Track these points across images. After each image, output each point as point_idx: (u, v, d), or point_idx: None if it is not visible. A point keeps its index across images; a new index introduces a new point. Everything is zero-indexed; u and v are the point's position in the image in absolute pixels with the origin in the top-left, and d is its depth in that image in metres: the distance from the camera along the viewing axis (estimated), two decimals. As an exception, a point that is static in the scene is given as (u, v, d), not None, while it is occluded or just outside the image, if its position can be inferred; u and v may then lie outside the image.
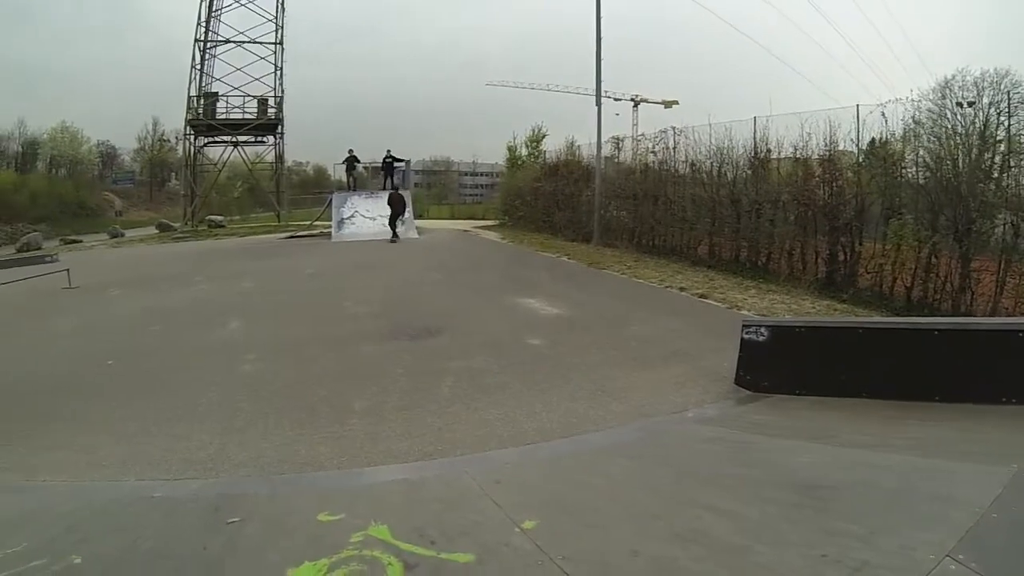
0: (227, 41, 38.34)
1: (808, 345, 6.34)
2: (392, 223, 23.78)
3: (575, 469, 4.70)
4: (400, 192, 25.31)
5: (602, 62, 21.44)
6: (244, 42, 38.14)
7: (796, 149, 14.51)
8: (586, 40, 22.55)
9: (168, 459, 5.28)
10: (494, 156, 63.62)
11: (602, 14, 21.31)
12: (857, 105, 13.21)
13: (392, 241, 23.01)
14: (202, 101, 37.47)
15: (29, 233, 35.63)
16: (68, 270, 15.43)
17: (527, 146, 38.33)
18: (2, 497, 4.68)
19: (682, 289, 12.22)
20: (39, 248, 29.52)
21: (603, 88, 21.79)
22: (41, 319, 11.72)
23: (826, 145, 13.79)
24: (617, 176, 21.75)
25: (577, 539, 3.46)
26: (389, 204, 24.18)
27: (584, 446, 5.26)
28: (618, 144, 22.57)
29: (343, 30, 77.70)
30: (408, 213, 26.38)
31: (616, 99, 50.36)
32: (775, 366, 6.42)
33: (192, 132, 37.89)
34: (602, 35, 21.39)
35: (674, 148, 18.45)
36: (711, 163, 16.79)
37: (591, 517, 3.73)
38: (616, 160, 22.63)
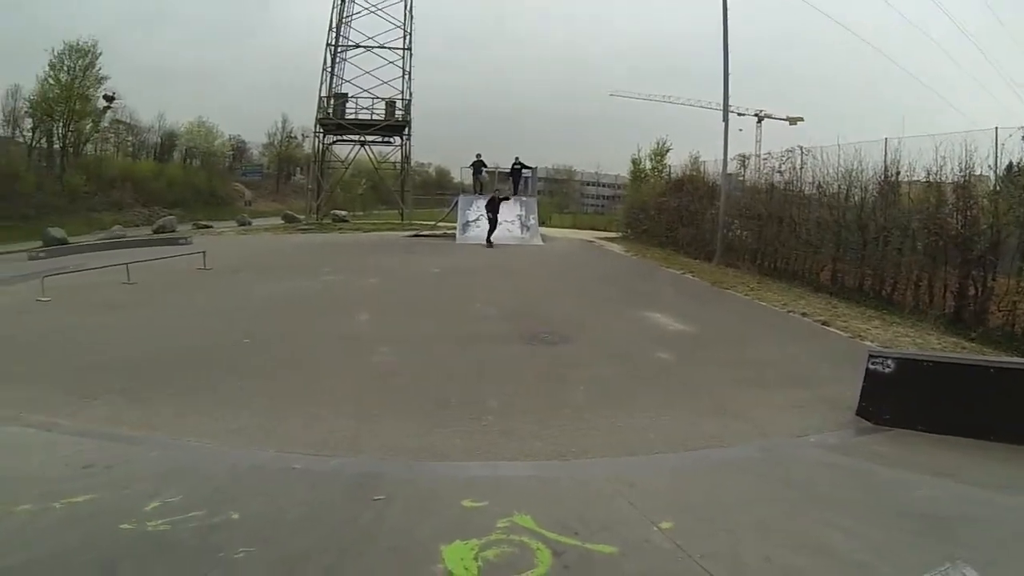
0: (357, 46, 40.09)
1: (936, 381, 6.12)
2: (491, 228, 23.95)
3: (703, 480, 4.78)
4: (504, 197, 25.62)
5: (729, 76, 20.90)
6: (373, 47, 39.74)
7: (929, 173, 13.59)
8: (710, 52, 21.97)
9: (304, 436, 5.42)
10: (616, 167, 63.30)
11: (728, 26, 20.72)
12: (996, 128, 12.20)
13: (487, 246, 23.08)
14: (332, 101, 39.13)
15: (164, 216, 38.00)
16: (204, 252, 16.45)
17: (651, 159, 37.98)
18: (154, 453, 4.96)
19: (804, 314, 11.82)
20: (173, 231, 31.60)
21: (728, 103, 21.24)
22: (181, 296, 12.52)
23: (961, 170, 12.75)
24: (742, 195, 21.20)
25: (712, 542, 3.59)
26: (487, 208, 24.37)
27: (710, 460, 5.31)
28: (744, 161, 21.95)
29: (467, 37, 79.27)
30: (533, 219, 26.84)
31: (740, 114, 48.96)
32: (900, 399, 6.18)
33: (322, 130, 39.54)
34: (729, 49, 20.84)
35: (800, 168, 17.74)
36: (838, 185, 16.01)
37: (722, 523, 3.86)
38: (741, 178, 22.05)
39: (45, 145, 41.95)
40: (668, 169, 31.91)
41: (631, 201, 32.93)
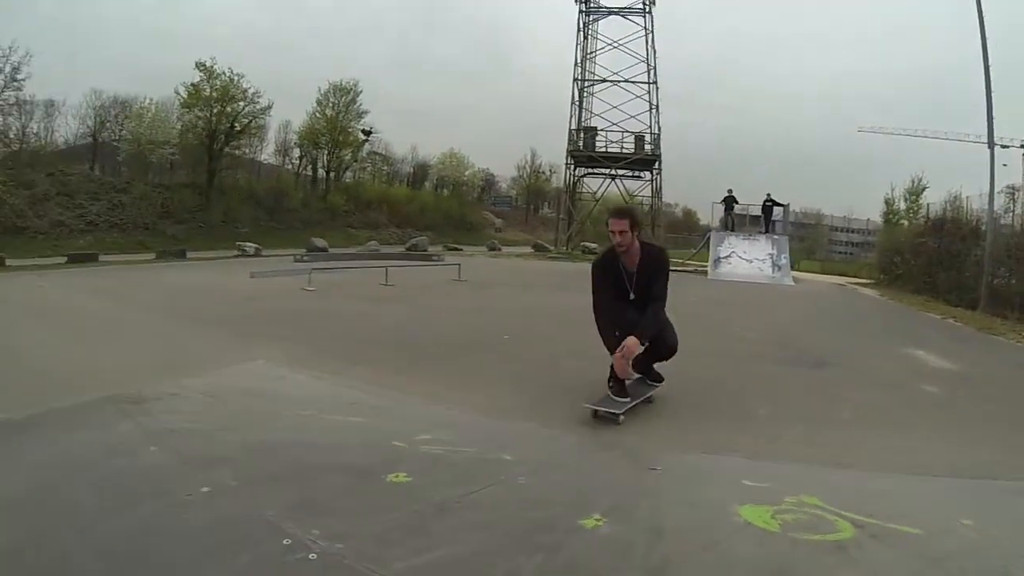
0: (603, 80, 41.60)
1: None
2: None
3: (992, 497, 4.34)
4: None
5: (992, 102, 18.90)
6: (619, 81, 40.98)
7: None
8: (966, 82, 19.80)
9: (567, 416, 5.75)
10: (867, 210, 59.26)
11: (989, 50, 18.83)
12: None
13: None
14: (582, 134, 40.54)
15: (418, 236, 41.47)
16: (459, 265, 18.03)
17: (905, 199, 35.12)
18: (418, 405, 5.56)
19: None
20: (425, 249, 34.07)
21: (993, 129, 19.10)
22: (437, 299, 13.91)
23: None
24: (1011, 235, 19.09)
25: (1012, 544, 3.28)
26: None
27: (997, 486, 4.79)
28: (1013, 195, 19.50)
29: (708, 76, 77.97)
30: (785, 259, 26.26)
31: (1004, 146, 43.44)
32: None
33: (572, 162, 40.99)
34: (991, 73, 18.85)
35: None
36: None
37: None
38: (1010, 215, 19.65)
39: (310, 172, 49.98)
40: (925, 208, 30.10)
41: (884, 244, 31.05)
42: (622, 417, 5.19)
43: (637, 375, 5.86)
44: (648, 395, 5.89)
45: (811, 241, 62.20)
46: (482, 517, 3.06)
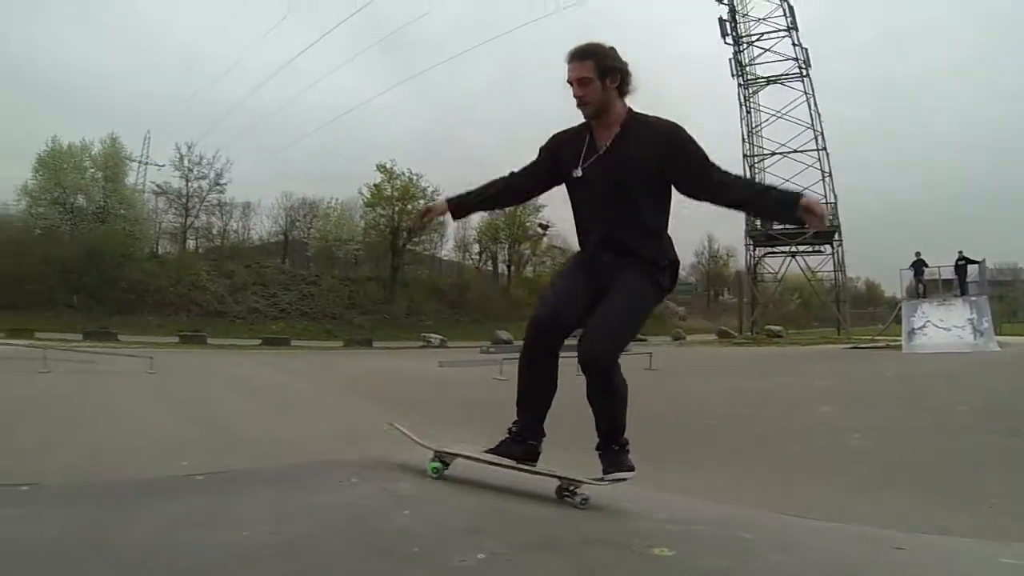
0: (772, 153, 40.73)
1: None
2: None
3: None
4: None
5: None
6: (788, 152, 39.94)
7: None
8: None
9: (784, 499, 5.43)
10: None
11: None
12: None
13: None
14: (758, 213, 39.70)
15: None
16: (650, 354, 17.81)
17: None
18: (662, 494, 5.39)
19: None
20: None
21: None
22: (640, 386, 13.50)
23: None
24: None
25: None
26: None
27: None
28: None
29: (878, 133, 73.44)
30: (987, 322, 24.03)
31: None
32: None
33: (751, 242, 40.08)
34: None
35: None
36: None
37: None
38: None
39: (490, 266, 52.54)
40: None
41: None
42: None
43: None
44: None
45: (1012, 300, 56.30)
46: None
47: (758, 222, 39.19)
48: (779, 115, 40.47)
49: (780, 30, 40.89)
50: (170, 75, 65.43)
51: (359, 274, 45.05)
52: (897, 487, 5.96)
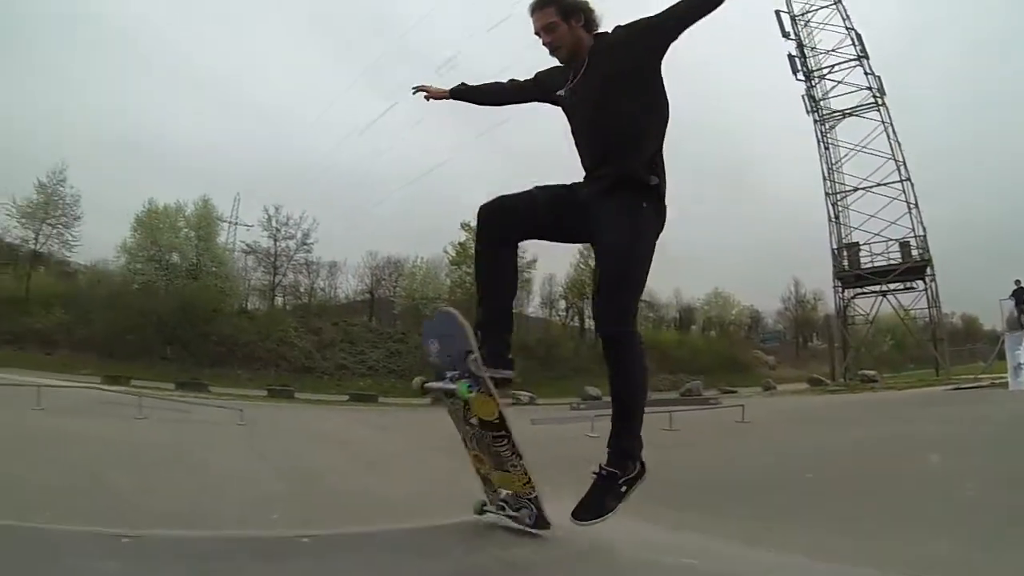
0: (855, 189, 39.55)
1: None
2: None
3: None
4: None
5: None
6: (870, 187, 38.69)
7: None
8: None
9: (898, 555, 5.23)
10: None
11: None
12: None
13: None
14: (845, 253, 38.57)
15: (690, 381, 41.55)
16: (742, 407, 17.38)
17: None
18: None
19: None
20: (699, 394, 34.62)
21: None
22: (733, 440, 13.71)
23: None
24: None
25: None
26: None
27: None
28: None
29: (967, 157, 69.49)
30: None
31: None
32: None
33: (840, 284, 38.98)
34: None
35: None
36: None
37: None
38: None
39: (577, 322, 52.40)
40: None
41: None
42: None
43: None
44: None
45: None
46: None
47: (845, 263, 38.19)
48: (858, 148, 39.33)
49: (850, 59, 40.07)
50: (259, 140, 68.35)
51: (446, 332, 45.85)
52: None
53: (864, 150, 39.03)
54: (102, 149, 59.70)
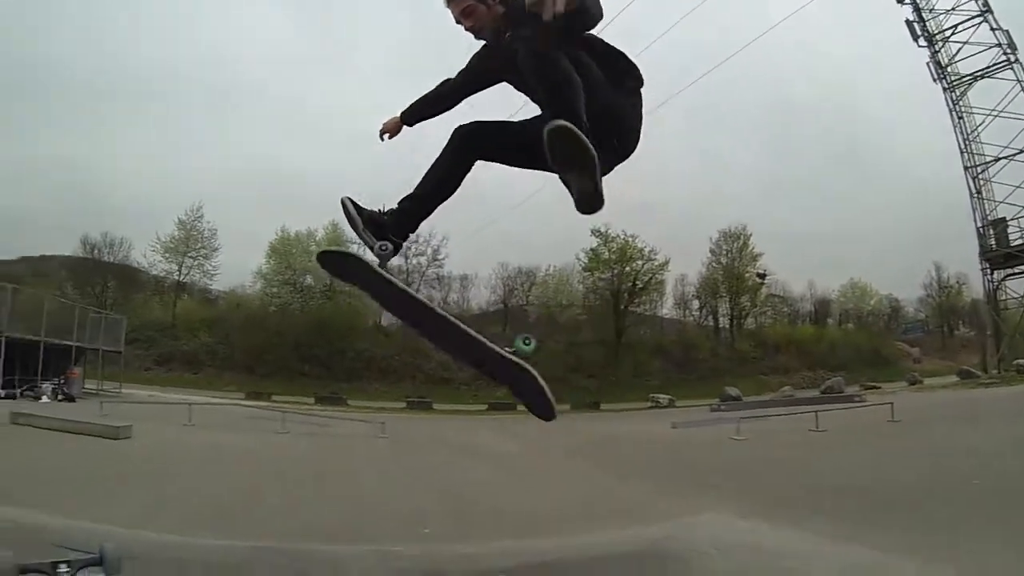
0: (996, 159, 36.56)
1: None
2: None
3: None
4: None
5: None
6: (1014, 154, 35.79)
7: None
8: None
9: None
10: None
11: None
12: None
13: None
14: (991, 230, 36.18)
15: (831, 378, 39.91)
16: (890, 404, 16.87)
17: None
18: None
19: None
20: (841, 391, 33.31)
21: None
22: (885, 441, 13.41)
23: None
24: None
25: None
26: None
27: None
28: None
29: None
30: None
31: None
32: None
33: (988, 266, 36.61)
34: None
35: None
36: None
37: None
38: None
39: (711, 321, 52.08)
40: None
41: None
42: None
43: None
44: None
45: None
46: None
47: (992, 241, 35.81)
48: (995, 113, 36.33)
49: (974, 15, 37.14)
50: (387, 165, 70.72)
51: (580, 338, 46.55)
52: None
53: (1003, 114, 36.21)
54: (234, 186, 64.28)
